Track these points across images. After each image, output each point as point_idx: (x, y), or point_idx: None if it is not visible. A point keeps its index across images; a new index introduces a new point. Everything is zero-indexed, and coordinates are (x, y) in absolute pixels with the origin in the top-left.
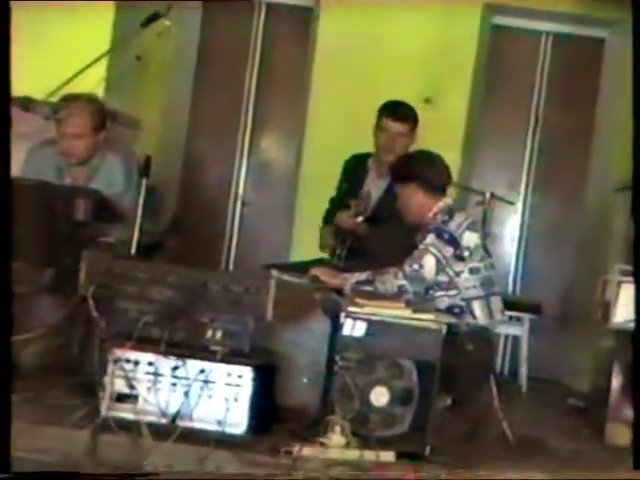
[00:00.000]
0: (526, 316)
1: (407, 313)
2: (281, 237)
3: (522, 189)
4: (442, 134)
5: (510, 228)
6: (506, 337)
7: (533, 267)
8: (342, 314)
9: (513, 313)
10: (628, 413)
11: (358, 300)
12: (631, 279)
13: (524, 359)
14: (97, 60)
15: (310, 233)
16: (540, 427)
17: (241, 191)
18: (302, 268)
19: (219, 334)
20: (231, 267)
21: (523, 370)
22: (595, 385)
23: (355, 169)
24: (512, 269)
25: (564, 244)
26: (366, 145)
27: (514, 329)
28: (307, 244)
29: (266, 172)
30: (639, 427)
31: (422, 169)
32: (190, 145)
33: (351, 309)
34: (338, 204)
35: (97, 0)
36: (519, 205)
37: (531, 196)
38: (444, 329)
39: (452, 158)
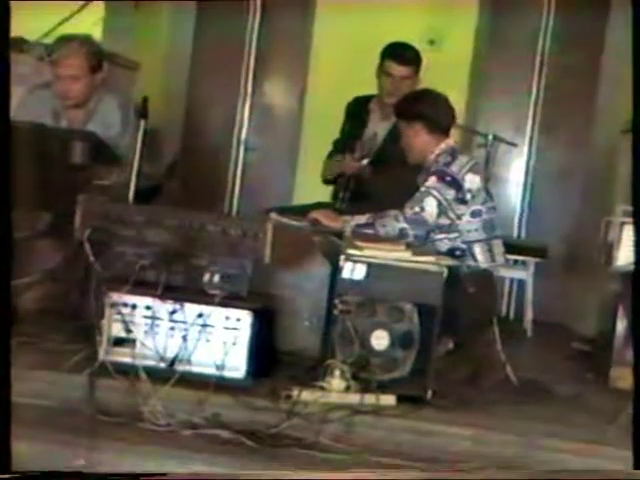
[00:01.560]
0: (531, 260)
1: (407, 255)
2: (285, 181)
3: (528, 131)
4: (447, 76)
5: (516, 171)
6: (511, 281)
7: (539, 210)
8: (342, 257)
9: (518, 257)
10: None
11: (358, 243)
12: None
13: (529, 303)
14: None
15: (314, 176)
16: (544, 371)
17: (244, 135)
18: (303, 211)
19: (217, 277)
20: (234, 211)
21: (528, 314)
22: (600, 328)
23: (357, 111)
24: (518, 212)
25: (570, 187)
26: (370, 87)
27: (519, 273)
28: (310, 187)
29: (269, 115)
30: (639, 425)
31: (427, 108)
32: (192, 88)
33: (351, 252)
34: (341, 146)
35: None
36: (525, 148)
37: (537, 138)
38: (445, 272)
39: (457, 100)
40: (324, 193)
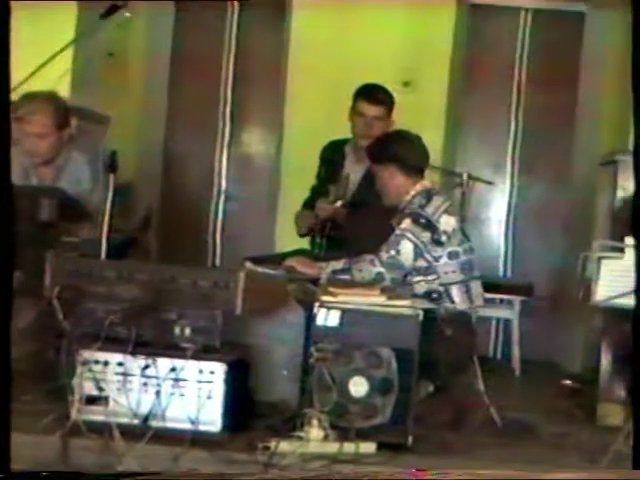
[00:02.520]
0: (517, 299)
1: (382, 300)
2: (266, 229)
3: (508, 170)
4: (422, 117)
5: (498, 210)
6: (498, 320)
7: (523, 249)
8: (315, 304)
9: (504, 296)
10: (619, 392)
11: (331, 289)
12: (612, 254)
13: (516, 342)
14: (58, 54)
15: (294, 224)
16: (532, 410)
17: (224, 185)
18: (280, 259)
19: (188, 331)
20: (217, 262)
21: (515, 353)
22: (587, 365)
23: (332, 155)
24: (502, 251)
25: (553, 224)
26: (347, 132)
27: (505, 312)
28: (291, 235)
29: (248, 165)
30: (639, 426)
31: (400, 149)
32: (169, 140)
33: (324, 298)
34: (317, 191)
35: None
36: (506, 186)
37: (517, 177)
38: (420, 315)
39: (433, 140)
40: (305, 240)
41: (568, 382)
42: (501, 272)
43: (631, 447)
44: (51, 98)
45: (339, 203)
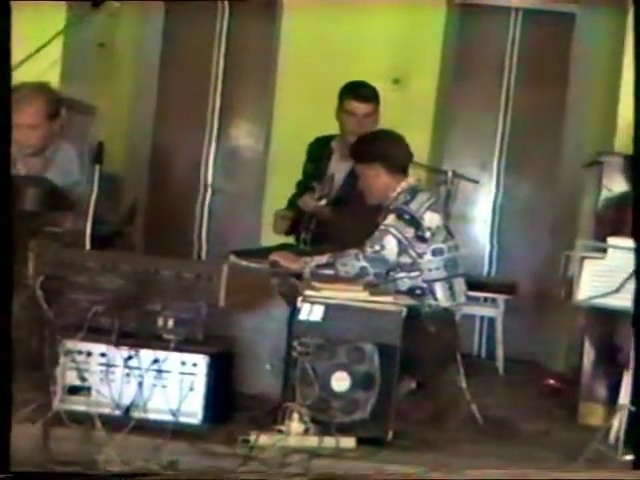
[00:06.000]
0: (501, 297)
1: (365, 295)
2: (252, 223)
3: (494, 168)
4: (411, 115)
5: (483, 209)
6: (482, 319)
7: (508, 248)
8: (299, 298)
9: (488, 294)
10: (600, 391)
11: (315, 284)
12: (594, 255)
13: (500, 341)
14: (47, 43)
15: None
16: (513, 409)
17: (210, 178)
18: (264, 253)
19: (171, 322)
20: (203, 255)
21: (499, 352)
22: (570, 364)
23: (318, 152)
24: (487, 250)
25: (538, 223)
26: (336, 128)
27: (489, 310)
28: None
29: (235, 159)
30: (638, 426)
31: (385, 149)
32: (158, 133)
33: (308, 293)
34: (303, 187)
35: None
36: (492, 186)
37: (504, 176)
38: (403, 311)
39: (421, 138)
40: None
41: (551, 381)
42: (486, 271)
43: (612, 447)
44: (43, 88)
45: (323, 202)
